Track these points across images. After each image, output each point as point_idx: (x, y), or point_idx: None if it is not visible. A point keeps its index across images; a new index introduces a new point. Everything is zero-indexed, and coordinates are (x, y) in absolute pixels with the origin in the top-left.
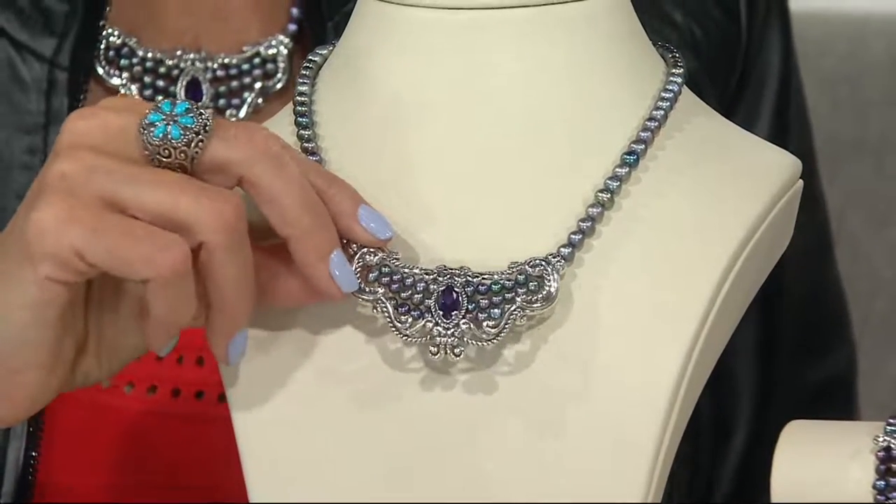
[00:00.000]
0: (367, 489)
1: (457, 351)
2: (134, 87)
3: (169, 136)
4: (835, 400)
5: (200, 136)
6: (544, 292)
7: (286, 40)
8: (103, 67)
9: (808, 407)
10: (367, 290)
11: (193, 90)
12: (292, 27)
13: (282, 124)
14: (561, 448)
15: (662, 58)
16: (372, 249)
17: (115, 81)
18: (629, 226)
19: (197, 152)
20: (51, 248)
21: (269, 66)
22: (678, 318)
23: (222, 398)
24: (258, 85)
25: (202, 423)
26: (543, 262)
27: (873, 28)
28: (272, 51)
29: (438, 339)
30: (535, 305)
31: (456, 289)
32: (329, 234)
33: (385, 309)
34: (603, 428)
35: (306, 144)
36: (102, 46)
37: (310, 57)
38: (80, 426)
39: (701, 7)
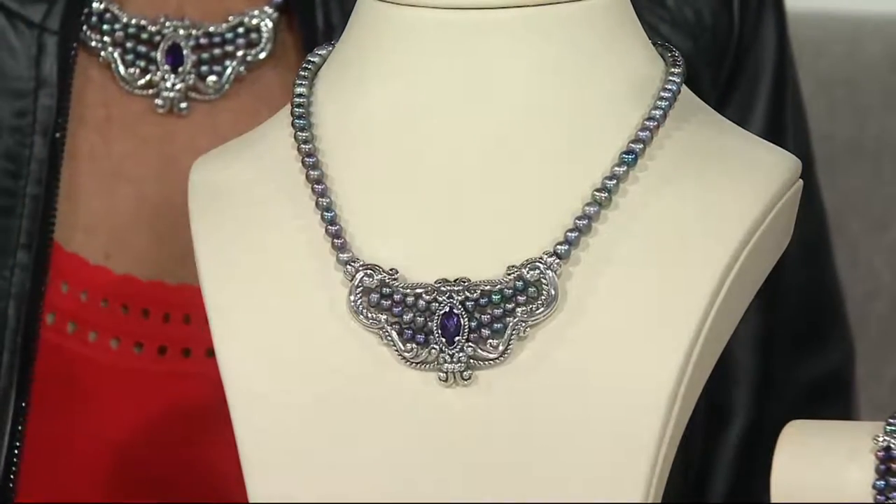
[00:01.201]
0: (367, 489)
1: (465, 375)
2: (116, 52)
3: None
4: (833, 394)
5: None
6: (543, 296)
7: (271, 11)
8: (85, 33)
9: (806, 399)
10: (370, 316)
11: (174, 55)
12: None
13: (280, 126)
14: (561, 449)
15: (661, 57)
16: (370, 272)
17: (97, 46)
18: (627, 225)
19: None
20: None
21: (253, 35)
22: (678, 317)
23: (210, 353)
24: (240, 53)
25: (190, 379)
26: (540, 264)
27: (870, 29)
28: (256, 21)
29: (446, 366)
30: (536, 313)
31: (456, 310)
32: None
33: (390, 337)
34: (603, 428)
35: (304, 146)
36: (85, 11)
37: (308, 58)
38: (67, 382)
39: None
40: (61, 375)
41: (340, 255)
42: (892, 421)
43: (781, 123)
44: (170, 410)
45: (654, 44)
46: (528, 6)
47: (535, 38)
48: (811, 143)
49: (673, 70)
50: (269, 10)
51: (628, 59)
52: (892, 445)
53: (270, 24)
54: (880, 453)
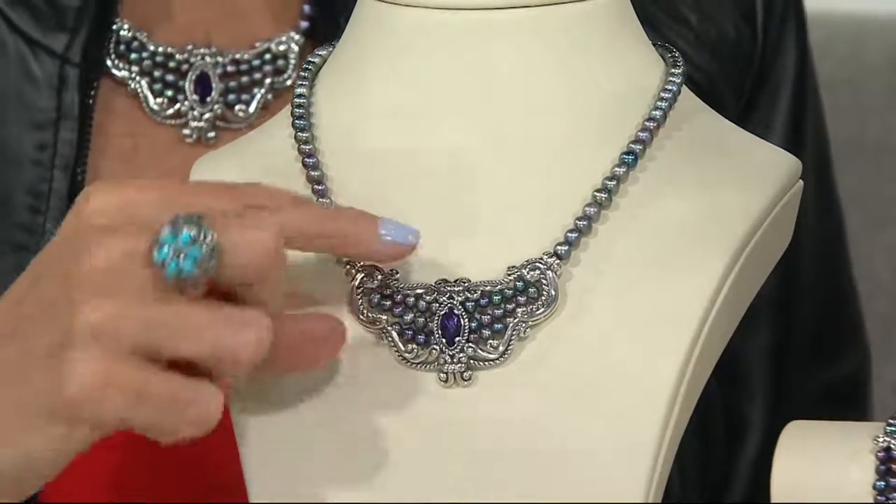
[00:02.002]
0: (367, 490)
1: (466, 376)
2: (143, 81)
3: (182, 273)
4: (848, 401)
5: (213, 262)
6: (543, 297)
7: (297, 37)
8: (112, 61)
9: (821, 409)
10: (371, 316)
11: (203, 84)
12: (304, 24)
13: (280, 126)
14: (561, 448)
15: (662, 57)
16: (370, 272)
17: (125, 75)
18: (627, 225)
19: (212, 271)
20: (93, 414)
21: (280, 62)
22: (678, 317)
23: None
24: (268, 81)
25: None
26: (540, 265)
27: (872, 30)
28: (283, 47)
29: (446, 366)
30: (536, 314)
31: (456, 311)
32: (362, 226)
33: (391, 338)
34: (603, 428)
35: (304, 147)
36: (113, 40)
37: (309, 59)
38: None
39: (716, 9)
40: None
41: None
42: (892, 422)
43: (802, 133)
44: (185, 455)
45: (655, 44)
46: (528, 7)
47: (536, 38)
48: (830, 151)
49: (673, 71)
50: (295, 35)
51: (629, 59)
52: (893, 446)
53: (297, 50)
54: (880, 454)
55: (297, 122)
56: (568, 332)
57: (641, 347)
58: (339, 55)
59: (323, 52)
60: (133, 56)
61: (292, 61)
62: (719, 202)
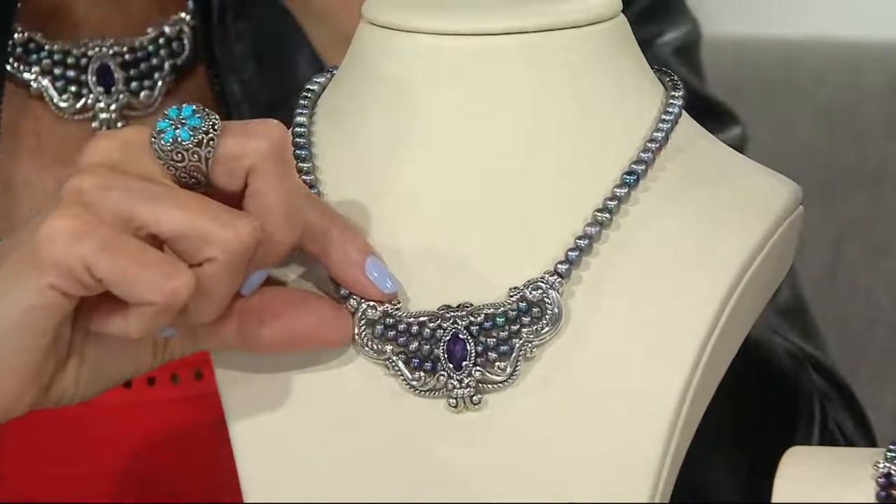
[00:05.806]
0: (364, 490)
1: (475, 399)
2: (45, 81)
3: (178, 139)
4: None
5: (210, 135)
6: (548, 316)
7: (187, 17)
8: (12, 65)
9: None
10: (375, 347)
11: (105, 76)
12: (191, 4)
13: None
14: (563, 469)
15: (660, 82)
16: (373, 303)
17: (27, 77)
18: (628, 246)
19: (210, 151)
20: (60, 256)
21: (175, 44)
22: (680, 338)
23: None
24: (167, 64)
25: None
26: (542, 284)
27: (871, 57)
28: (176, 28)
29: (455, 391)
30: (541, 333)
31: (461, 335)
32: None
33: (397, 368)
34: (605, 449)
35: (305, 177)
36: (9, 44)
37: (307, 86)
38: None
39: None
40: (62, 447)
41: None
42: (892, 447)
43: None
44: (183, 434)
45: (653, 68)
46: (527, 32)
47: (535, 63)
48: None
49: (673, 94)
50: (185, 16)
51: (629, 82)
52: (893, 472)
53: (188, 30)
54: (881, 480)
55: (297, 151)
56: (573, 351)
57: (642, 368)
58: (339, 82)
59: (321, 80)
60: (32, 57)
61: (186, 41)
62: (721, 225)
